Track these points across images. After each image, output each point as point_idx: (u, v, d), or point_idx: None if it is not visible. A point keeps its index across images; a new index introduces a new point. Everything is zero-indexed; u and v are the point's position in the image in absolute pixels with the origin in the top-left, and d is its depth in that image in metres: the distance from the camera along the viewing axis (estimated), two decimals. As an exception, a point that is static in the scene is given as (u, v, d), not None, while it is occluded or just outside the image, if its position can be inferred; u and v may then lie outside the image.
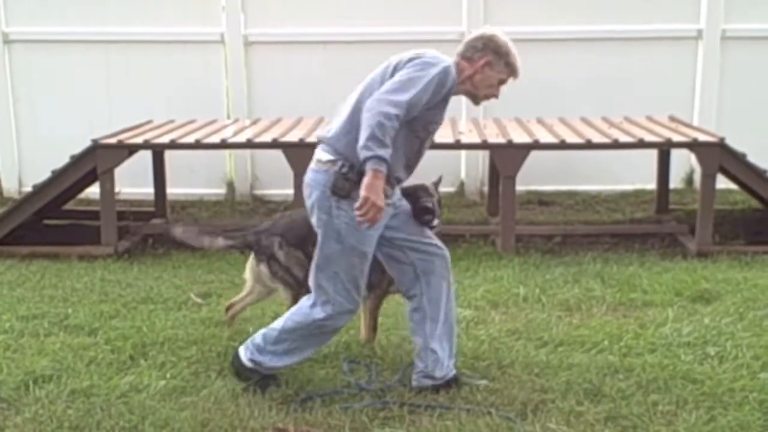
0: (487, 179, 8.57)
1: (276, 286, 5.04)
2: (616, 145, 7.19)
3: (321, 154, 4.29)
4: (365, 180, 3.96)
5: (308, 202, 4.34)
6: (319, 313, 4.36)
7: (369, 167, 3.96)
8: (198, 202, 9.19)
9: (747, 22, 8.98)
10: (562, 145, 7.23)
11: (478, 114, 8.56)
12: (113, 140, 7.30)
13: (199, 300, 5.99)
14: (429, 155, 7.87)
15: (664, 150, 7.95)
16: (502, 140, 7.28)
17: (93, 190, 7.79)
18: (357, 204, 3.98)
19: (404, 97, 4.04)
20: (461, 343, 5.03)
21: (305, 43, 9.19)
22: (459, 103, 8.87)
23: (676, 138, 7.28)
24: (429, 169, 8.63)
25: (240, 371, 4.55)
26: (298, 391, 4.45)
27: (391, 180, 4.24)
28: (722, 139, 7.13)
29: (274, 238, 4.97)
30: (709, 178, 7.10)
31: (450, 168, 8.98)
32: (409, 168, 4.38)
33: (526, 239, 7.41)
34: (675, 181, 8.70)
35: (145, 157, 8.00)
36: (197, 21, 9.20)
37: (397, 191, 4.45)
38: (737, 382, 4.52)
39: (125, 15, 9.18)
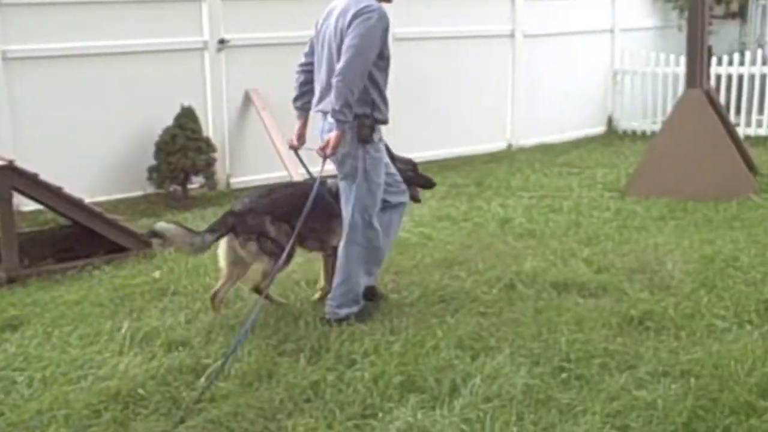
0: None
1: (260, 260, 5.43)
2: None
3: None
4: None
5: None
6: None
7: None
8: None
9: (26, 44, 8.82)
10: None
11: None
12: None
13: None
14: None
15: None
16: None
17: None
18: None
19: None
20: None
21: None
22: None
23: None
24: None
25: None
26: None
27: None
28: (12, 162, 6.96)
29: (264, 217, 5.40)
30: (4, 202, 6.85)
31: None
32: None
33: None
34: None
35: None
36: None
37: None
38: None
39: None
